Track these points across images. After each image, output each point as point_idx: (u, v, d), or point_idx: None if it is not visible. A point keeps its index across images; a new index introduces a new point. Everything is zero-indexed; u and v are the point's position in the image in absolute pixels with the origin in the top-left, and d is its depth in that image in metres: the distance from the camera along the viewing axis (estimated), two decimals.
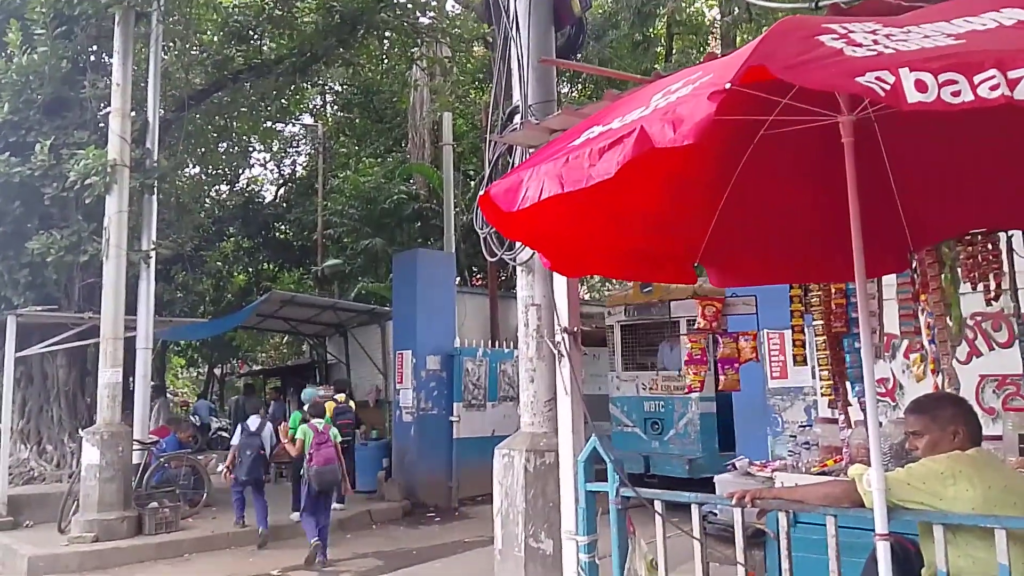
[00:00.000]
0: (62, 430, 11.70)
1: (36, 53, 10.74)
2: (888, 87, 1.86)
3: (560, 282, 4.51)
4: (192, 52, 13.91)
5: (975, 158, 3.32)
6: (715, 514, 7.41)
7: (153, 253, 11.00)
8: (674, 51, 20.19)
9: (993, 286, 3.97)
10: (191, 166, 17.36)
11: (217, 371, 26.71)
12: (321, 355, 17.91)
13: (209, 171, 20.09)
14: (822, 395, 5.05)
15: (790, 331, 5.06)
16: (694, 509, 3.65)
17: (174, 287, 18.68)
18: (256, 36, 14.40)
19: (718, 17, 19.64)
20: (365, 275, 18.68)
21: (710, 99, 2.03)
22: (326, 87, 22.46)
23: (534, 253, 5.27)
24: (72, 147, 10.52)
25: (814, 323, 4.66)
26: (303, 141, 24.80)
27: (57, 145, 10.62)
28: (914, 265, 4.05)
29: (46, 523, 9.72)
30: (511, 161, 5.46)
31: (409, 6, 14.34)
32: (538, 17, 5.73)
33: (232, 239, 21.61)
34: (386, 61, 18.49)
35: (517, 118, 5.54)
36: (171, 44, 13.30)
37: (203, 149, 16.79)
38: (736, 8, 15.78)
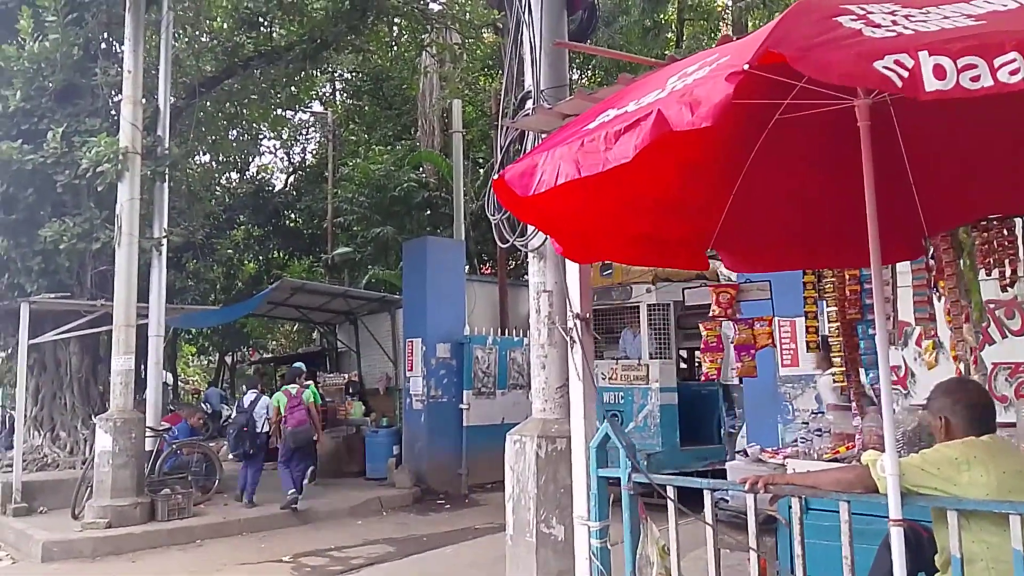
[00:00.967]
0: (75, 417, 11.77)
1: (48, 40, 10.75)
2: (906, 74, 1.84)
3: (572, 268, 4.51)
4: (203, 39, 13.94)
5: (991, 142, 3.29)
6: (727, 500, 7.42)
7: (165, 241, 11.05)
8: (685, 37, 20.04)
9: (1008, 272, 3.94)
10: (202, 154, 17.40)
11: (228, 359, 26.81)
12: (331, 343, 17.96)
13: (220, 159, 20.16)
14: (834, 382, 5.02)
15: (802, 318, 5.04)
16: (706, 495, 3.65)
17: (185, 275, 18.76)
18: (266, 23, 14.40)
19: (729, 2, 19.52)
20: (375, 263, 18.70)
21: (728, 80, 2.01)
22: (335, 74, 22.45)
23: (546, 239, 5.26)
24: (84, 134, 10.55)
25: (828, 310, 4.63)
26: (313, 128, 24.82)
27: (69, 132, 10.65)
28: (930, 251, 4.03)
29: (60, 509, 9.79)
30: (523, 147, 5.44)
31: None
32: (551, 2, 5.70)
33: (243, 227, 21.65)
34: (396, 48, 18.50)
35: (529, 103, 5.52)
36: (182, 31, 13.31)
37: (214, 137, 16.81)
38: None
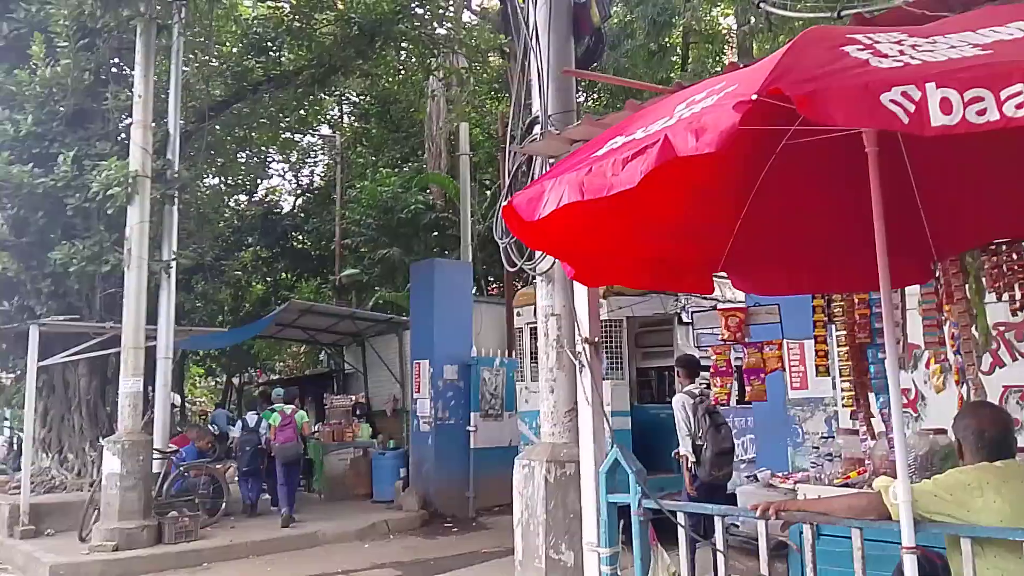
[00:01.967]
0: (83, 439, 11.77)
1: (59, 65, 10.88)
2: (913, 108, 1.85)
3: (581, 292, 4.52)
4: (212, 64, 14.07)
5: (999, 166, 3.29)
6: (737, 526, 7.36)
7: (173, 263, 11.10)
8: (690, 60, 20.17)
9: (1018, 296, 3.94)
10: (211, 177, 17.56)
11: (235, 380, 26.81)
12: (339, 364, 17.97)
13: (228, 182, 20.31)
14: (844, 406, 5.00)
15: (811, 341, 5.03)
16: (717, 521, 3.63)
17: (194, 297, 18.81)
18: (275, 48, 14.54)
19: (734, 26, 19.63)
20: (383, 284, 18.75)
21: (735, 109, 2.02)
22: (343, 97, 22.62)
23: (554, 263, 5.28)
24: (94, 158, 10.64)
25: (837, 333, 4.63)
26: (321, 151, 24.96)
27: (80, 156, 10.75)
28: (938, 275, 4.02)
29: (67, 531, 9.77)
30: (531, 172, 5.46)
31: (427, 17, 14.43)
32: (558, 27, 5.74)
33: (251, 249, 21.75)
34: (403, 71, 18.61)
35: (537, 128, 5.55)
36: (192, 56, 13.45)
37: (223, 160, 16.95)
38: (752, 18, 15.76)
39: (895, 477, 2.98)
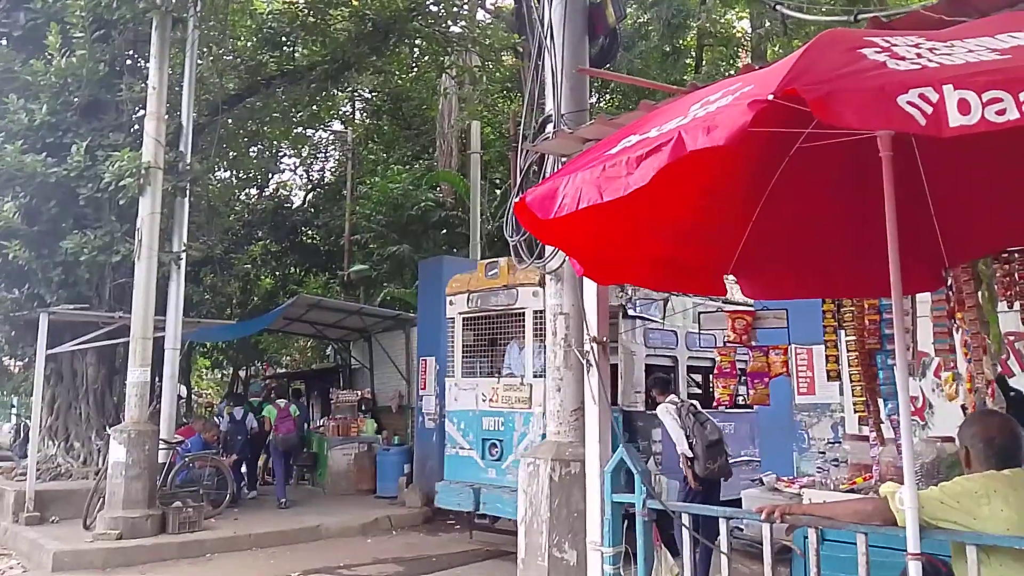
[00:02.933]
0: (90, 427, 11.83)
1: (74, 56, 10.92)
2: (930, 110, 1.83)
3: (591, 291, 4.51)
4: (226, 57, 14.10)
5: (1013, 174, 3.27)
6: (741, 529, 7.35)
7: (183, 255, 11.14)
8: (704, 62, 20.14)
9: None
10: (222, 170, 17.58)
11: (242, 373, 26.88)
12: (345, 359, 17.98)
13: (240, 175, 20.35)
14: (854, 411, 4.98)
15: (821, 347, 5.01)
16: (722, 523, 3.62)
17: (202, 289, 18.86)
18: (289, 43, 14.57)
19: (749, 29, 19.59)
20: (391, 281, 18.76)
21: (749, 107, 2.02)
22: (356, 93, 22.66)
23: (564, 262, 5.28)
24: (107, 149, 10.68)
25: (847, 339, 4.61)
26: (332, 147, 25.00)
27: (93, 147, 10.79)
28: (949, 282, 4.00)
29: (72, 519, 9.83)
30: (543, 169, 5.46)
31: (441, 15, 14.44)
32: (573, 27, 5.74)
33: (260, 243, 21.78)
34: (416, 69, 18.64)
35: (549, 127, 5.55)
36: (206, 49, 13.47)
37: (234, 153, 16.98)
38: (768, 21, 15.72)
39: (901, 483, 2.96)
